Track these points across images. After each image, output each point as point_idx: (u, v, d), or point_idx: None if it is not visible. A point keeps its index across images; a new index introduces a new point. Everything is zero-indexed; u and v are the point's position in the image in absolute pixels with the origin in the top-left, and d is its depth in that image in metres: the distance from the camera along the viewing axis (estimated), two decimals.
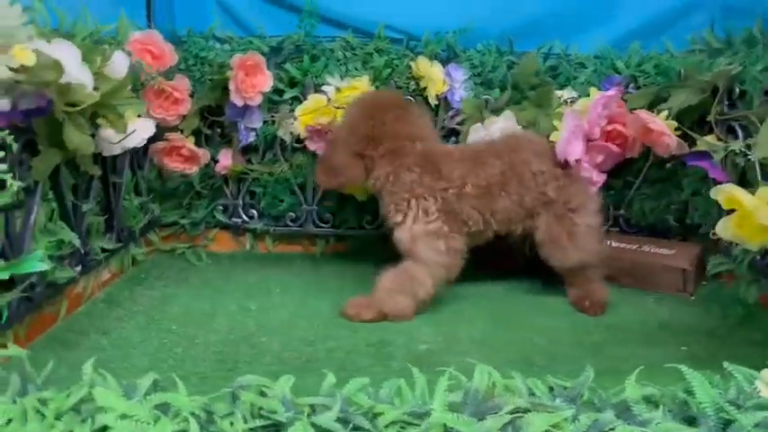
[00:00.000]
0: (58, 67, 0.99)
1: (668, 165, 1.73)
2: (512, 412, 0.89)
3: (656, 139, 1.41)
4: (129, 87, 1.21)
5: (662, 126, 1.38)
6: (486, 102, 1.68)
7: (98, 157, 1.31)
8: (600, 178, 1.58)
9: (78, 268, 1.31)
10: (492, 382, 0.97)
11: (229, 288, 1.57)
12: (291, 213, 1.77)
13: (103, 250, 1.43)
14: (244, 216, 1.79)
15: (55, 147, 1.14)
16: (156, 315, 1.42)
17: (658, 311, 1.48)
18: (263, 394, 0.94)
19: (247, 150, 1.73)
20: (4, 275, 1.01)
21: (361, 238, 1.80)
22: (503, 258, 1.70)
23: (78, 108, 1.07)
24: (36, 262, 1.01)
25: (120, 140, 1.19)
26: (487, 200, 1.43)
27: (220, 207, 1.78)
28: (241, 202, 1.77)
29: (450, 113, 1.68)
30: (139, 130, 1.26)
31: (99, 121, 1.23)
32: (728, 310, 1.43)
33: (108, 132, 1.22)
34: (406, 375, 0.95)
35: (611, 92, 1.44)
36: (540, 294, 1.59)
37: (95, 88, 1.15)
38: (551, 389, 0.97)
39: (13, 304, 1.07)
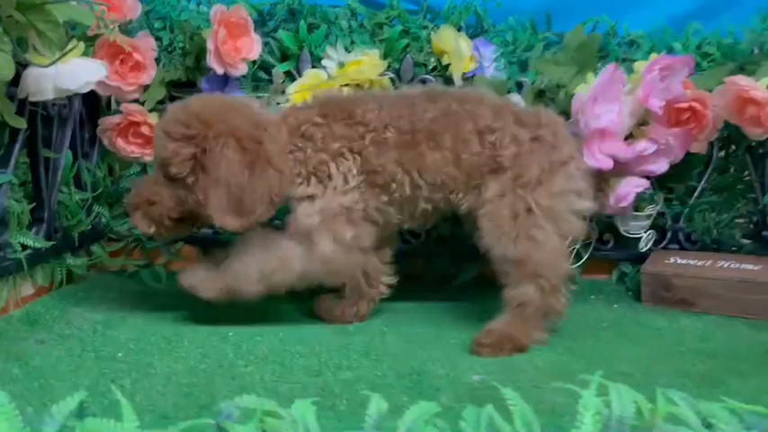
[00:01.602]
0: None
1: (732, 169, 1.46)
2: None
3: (758, 114, 1.11)
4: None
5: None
6: (519, 85, 1.38)
7: (24, 109, 0.94)
8: (642, 184, 1.27)
9: None
10: (643, 408, 0.62)
11: (199, 313, 1.17)
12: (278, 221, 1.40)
13: (26, 248, 1.04)
14: None
15: None
16: (96, 341, 1.03)
17: (760, 337, 1.15)
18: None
19: None
20: None
21: None
22: None
23: None
24: None
25: (52, 62, 0.82)
26: (413, 152, 1.06)
27: None
28: None
29: None
30: (82, 70, 0.90)
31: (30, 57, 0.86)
32: None
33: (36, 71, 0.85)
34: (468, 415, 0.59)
35: (680, 57, 1.16)
36: (621, 317, 1.26)
37: None
38: (737, 415, 0.62)
39: None
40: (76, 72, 0.89)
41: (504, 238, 1.06)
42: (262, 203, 1.02)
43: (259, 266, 1.05)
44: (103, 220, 1.34)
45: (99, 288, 1.29)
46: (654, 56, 1.21)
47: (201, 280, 1.06)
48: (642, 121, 1.23)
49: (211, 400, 0.81)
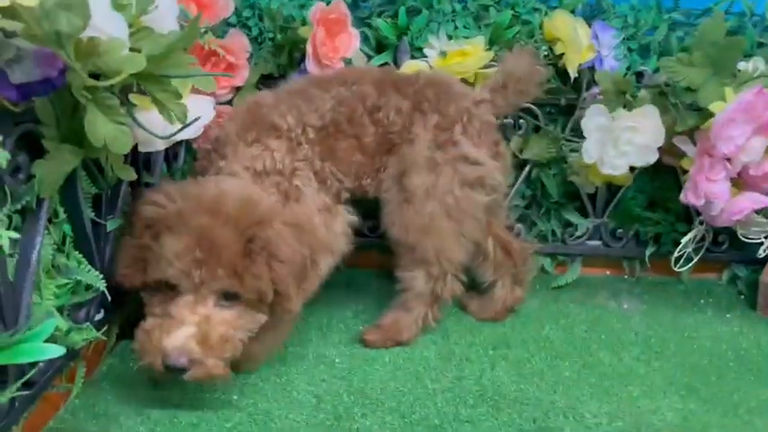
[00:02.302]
0: (81, 7, 0.56)
1: None
2: None
3: None
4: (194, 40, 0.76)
5: None
6: (638, 76, 1.25)
7: (129, 157, 0.88)
8: (763, 201, 1.14)
9: (101, 315, 0.89)
10: None
11: (306, 328, 1.15)
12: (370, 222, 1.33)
13: None
14: None
15: (70, 143, 0.71)
16: None
17: None
18: None
19: None
20: None
21: None
22: None
23: (109, 82, 0.63)
24: (41, 346, 0.59)
25: (175, 133, 0.75)
26: (326, 146, 1.02)
27: None
28: None
29: (595, 90, 1.24)
30: (193, 115, 0.82)
31: (134, 99, 0.79)
32: None
33: (149, 116, 0.78)
34: None
35: None
36: (737, 335, 1.19)
37: (132, 50, 0.72)
38: None
39: (3, 407, 0.66)
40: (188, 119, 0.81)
41: (396, 226, 1.06)
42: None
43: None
44: None
45: None
46: None
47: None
48: None
49: None
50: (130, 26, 0.75)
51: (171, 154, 1.16)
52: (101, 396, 0.91)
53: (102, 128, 0.68)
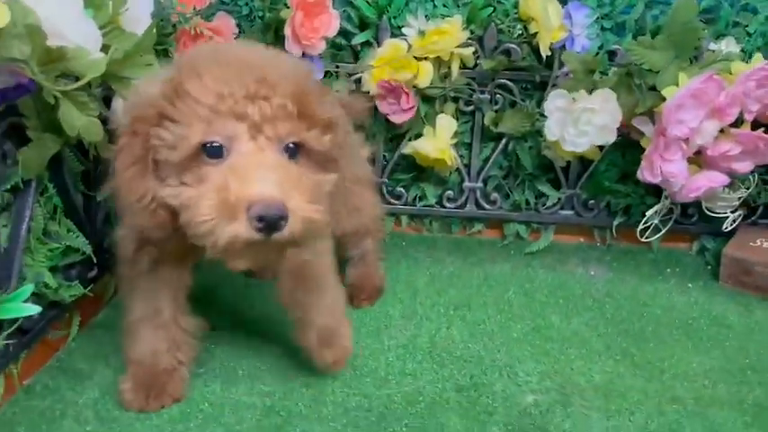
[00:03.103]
0: (35, 33, 0.67)
1: None
2: None
3: None
4: (154, 42, 0.87)
5: None
6: (609, 55, 1.29)
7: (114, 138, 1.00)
8: (720, 180, 1.20)
9: (94, 272, 1.03)
10: None
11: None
12: None
13: None
14: None
15: (50, 131, 0.83)
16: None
17: None
18: None
19: None
20: None
21: (440, 219, 1.47)
22: None
23: (75, 86, 0.75)
24: (20, 305, 0.73)
25: None
26: None
27: None
28: None
29: (566, 69, 1.29)
30: None
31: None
32: None
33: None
34: None
35: None
36: (692, 305, 1.25)
37: (105, 47, 0.83)
38: None
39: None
40: None
41: (333, 218, 1.08)
42: None
43: None
44: None
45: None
46: (760, 57, 1.10)
47: None
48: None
49: (288, 418, 0.92)
50: (106, 25, 0.86)
51: None
52: (95, 340, 1.05)
53: (76, 120, 0.80)
